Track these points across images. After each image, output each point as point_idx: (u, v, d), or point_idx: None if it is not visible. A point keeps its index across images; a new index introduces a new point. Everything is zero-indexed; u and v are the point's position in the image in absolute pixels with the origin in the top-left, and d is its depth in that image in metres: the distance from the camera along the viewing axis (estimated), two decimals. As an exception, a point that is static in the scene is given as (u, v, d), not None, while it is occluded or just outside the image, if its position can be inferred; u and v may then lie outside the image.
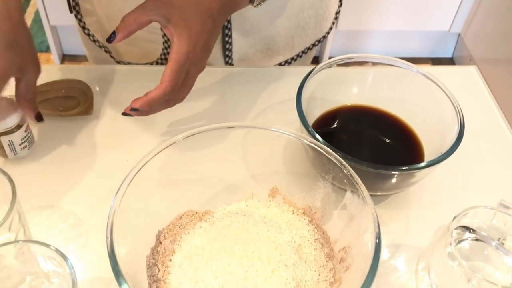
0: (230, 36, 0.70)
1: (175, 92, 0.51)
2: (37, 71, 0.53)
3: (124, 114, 0.52)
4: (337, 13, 0.81)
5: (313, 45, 0.81)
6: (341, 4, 0.81)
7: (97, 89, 0.67)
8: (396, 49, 2.06)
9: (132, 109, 0.52)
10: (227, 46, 0.71)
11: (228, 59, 0.74)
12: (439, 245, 0.47)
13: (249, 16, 0.69)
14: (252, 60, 0.76)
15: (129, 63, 0.76)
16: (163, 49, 0.72)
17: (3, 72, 0.48)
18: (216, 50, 0.72)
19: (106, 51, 0.76)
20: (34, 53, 0.53)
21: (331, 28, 0.82)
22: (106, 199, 0.53)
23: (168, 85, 0.50)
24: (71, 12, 0.75)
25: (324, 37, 0.81)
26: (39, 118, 0.56)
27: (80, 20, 0.75)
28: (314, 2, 0.73)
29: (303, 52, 0.80)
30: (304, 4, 0.73)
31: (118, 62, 0.77)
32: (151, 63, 0.75)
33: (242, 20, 0.69)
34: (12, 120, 0.55)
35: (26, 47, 0.51)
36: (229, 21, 0.68)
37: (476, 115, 0.68)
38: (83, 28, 0.75)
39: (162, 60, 0.74)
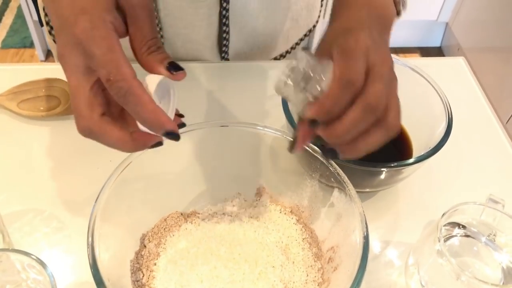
0: (228, 33, 0.69)
1: (353, 87, 0.37)
2: (143, 9, 0.36)
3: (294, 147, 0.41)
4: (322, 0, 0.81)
5: (305, 35, 0.80)
6: None
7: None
8: (385, 39, 2.05)
9: (312, 123, 0.38)
10: (224, 42, 0.70)
11: (224, 55, 0.72)
12: (428, 242, 0.46)
13: (246, 13, 0.68)
14: (248, 55, 0.75)
15: None
16: None
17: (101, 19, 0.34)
18: (213, 46, 0.71)
19: None
20: None
21: (319, 16, 0.81)
22: (90, 200, 0.52)
23: (341, 71, 0.36)
24: (41, 26, 0.71)
25: (314, 26, 0.81)
26: (176, 67, 0.38)
27: (54, 36, 0.72)
28: None
29: (296, 43, 0.79)
30: None
31: None
32: None
33: (239, 17, 0.68)
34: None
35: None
36: (227, 18, 0.67)
37: (465, 107, 0.67)
38: None
39: None
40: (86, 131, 0.37)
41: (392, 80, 0.41)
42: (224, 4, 0.64)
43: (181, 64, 0.39)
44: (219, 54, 0.72)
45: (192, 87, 0.67)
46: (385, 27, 0.45)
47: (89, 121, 0.36)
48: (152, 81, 0.35)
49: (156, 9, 0.64)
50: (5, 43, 2.01)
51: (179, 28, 0.67)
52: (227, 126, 0.50)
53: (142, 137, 0.37)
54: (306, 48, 0.40)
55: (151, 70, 0.37)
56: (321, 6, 0.81)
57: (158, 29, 0.67)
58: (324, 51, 0.41)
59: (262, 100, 0.67)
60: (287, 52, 0.78)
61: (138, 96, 0.34)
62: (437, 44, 2.11)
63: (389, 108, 0.39)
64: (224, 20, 0.67)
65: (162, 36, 0.68)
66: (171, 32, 0.68)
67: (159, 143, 0.38)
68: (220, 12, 0.65)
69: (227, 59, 0.73)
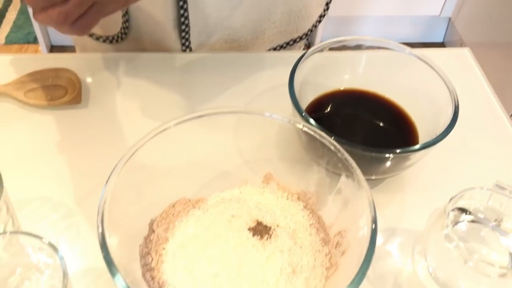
0: (187, 18, 0.68)
1: None
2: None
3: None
4: (321, 16, 0.79)
5: (287, 44, 0.79)
6: (327, 8, 0.79)
7: (85, 77, 0.66)
8: (387, 34, 2.05)
9: None
10: (183, 27, 0.69)
11: (185, 41, 0.72)
12: (435, 227, 0.47)
13: (207, 2, 0.67)
14: (215, 49, 0.74)
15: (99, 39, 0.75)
16: (122, 23, 0.71)
17: None
18: (170, 31, 0.70)
19: None
20: None
21: (310, 30, 0.80)
22: (97, 188, 0.53)
23: None
24: None
25: (301, 38, 0.79)
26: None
27: None
28: None
29: (274, 49, 0.78)
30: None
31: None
32: (113, 37, 0.74)
33: (199, 5, 0.67)
34: None
35: None
36: (184, 1, 0.66)
37: (470, 96, 0.67)
38: None
39: (123, 34, 0.73)
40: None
41: None
42: None
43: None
44: (180, 40, 0.71)
45: (190, 78, 0.68)
46: None
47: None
48: None
49: None
50: (9, 38, 2.01)
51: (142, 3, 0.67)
52: (235, 113, 0.50)
53: None
54: None
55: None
56: (318, 21, 0.80)
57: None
58: None
59: (261, 92, 0.67)
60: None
61: None
62: (440, 40, 2.11)
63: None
64: (181, 4, 0.66)
65: (127, 15, 0.68)
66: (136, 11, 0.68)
67: None
68: None
69: (189, 48, 0.73)
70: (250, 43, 0.75)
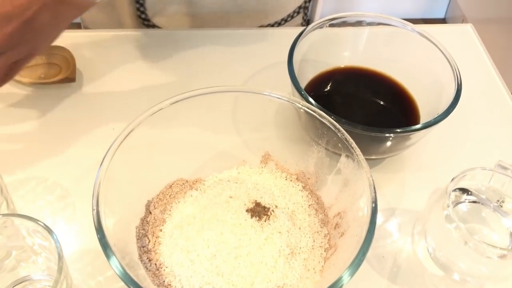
0: None
1: None
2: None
3: None
4: (301, 7, 0.76)
5: (278, 23, 0.76)
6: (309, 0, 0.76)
7: (80, 55, 0.64)
8: (388, 10, 2.02)
9: None
10: None
11: (140, 6, 0.69)
12: (436, 208, 0.46)
13: None
14: (174, 20, 0.71)
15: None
16: None
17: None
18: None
19: None
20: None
21: (284, 20, 0.76)
22: (93, 169, 0.51)
23: None
24: None
25: (272, 25, 0.76)
26: None
27: None
28: None
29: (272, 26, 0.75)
30: None
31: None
32: None
33: None
34: None
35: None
36: None
37: (472, 74, 0.66)
38: None
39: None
40: None
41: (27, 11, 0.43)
42: None
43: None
44: (134, 4, 0.69)
45: (190, 55, 0.66)
46: None
47: None
48: None
49: None
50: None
51: None
52: (233, 92, 0.49)
53: None
54: None
55: None
56: (298, 13, 0.77)
57: None
58: None
59: (260, 69, 0.66)
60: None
61: None
62: (442, 16, 2.08)
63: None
64: None
65: None
66: None
67: None
68: None
69: (147, 21, 0.70)
70: (212, 19, 0.71)
